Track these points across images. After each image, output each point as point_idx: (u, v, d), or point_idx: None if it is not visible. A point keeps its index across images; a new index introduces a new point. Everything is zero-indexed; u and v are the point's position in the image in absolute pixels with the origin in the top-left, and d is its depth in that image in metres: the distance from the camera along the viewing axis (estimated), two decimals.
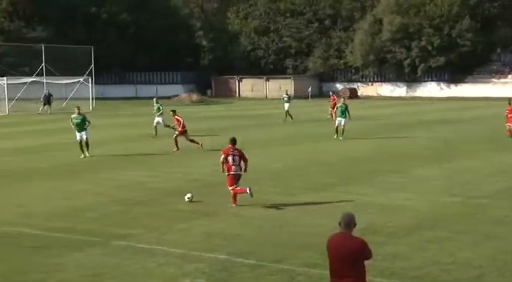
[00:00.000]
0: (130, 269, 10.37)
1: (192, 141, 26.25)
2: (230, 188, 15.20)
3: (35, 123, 38.57)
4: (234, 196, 15.17)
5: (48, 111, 52.02)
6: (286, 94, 43.59)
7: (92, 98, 58.12)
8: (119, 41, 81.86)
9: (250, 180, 18.46)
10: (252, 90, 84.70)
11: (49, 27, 78.58)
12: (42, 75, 59.77)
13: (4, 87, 53.07)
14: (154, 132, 31.85)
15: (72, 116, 24.18)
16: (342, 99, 33.06)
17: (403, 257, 10.88)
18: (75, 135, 24.27)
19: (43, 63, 60.51)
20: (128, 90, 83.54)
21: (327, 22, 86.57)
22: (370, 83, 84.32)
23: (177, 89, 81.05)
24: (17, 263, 10.66)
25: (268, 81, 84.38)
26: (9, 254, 11.19)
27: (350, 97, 78.55)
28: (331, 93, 49.78)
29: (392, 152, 24.73)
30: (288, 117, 40.89)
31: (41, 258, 10.95)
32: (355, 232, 7.24)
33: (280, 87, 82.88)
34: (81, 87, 58.75)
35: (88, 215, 14.10)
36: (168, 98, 74.12)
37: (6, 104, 53.05)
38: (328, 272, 7.20)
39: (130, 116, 48.74)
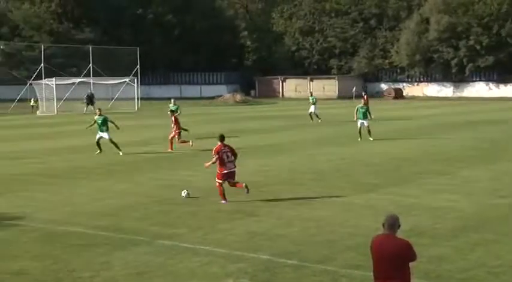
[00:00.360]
0: (174, 268, 10.45)
1: (183, 142, 26.44)
2: (230, 183, 15.70)
3: (80, 123, 39.20)
4: (222, 193, 15.57)
5: (94, 111, 52.82)
6: (312, 96, 43.54)
7: (137, 98, 58.89)
8: (164, 42, 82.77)
9: (295, 180, 18.45)
10: (296, 91, 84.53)
11: (97, 29, 79.97)
12: (89, 76, 60.81)
13: (53, 87, 54.13)
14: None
15: (95, 117, 25.49)
16: (363, 100, 32.49)
17: (449, 260, 10.70)
18: (96, 134, 25.46)
19: (90, 64, 61.60)
20: (172, 90, 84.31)
21: (372, 21, 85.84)
22: (416, 83, 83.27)
23: (220, 90, 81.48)
24: (64, 261, 10.85)
25: (312, 81, 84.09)
26: (57, 251, 11.41)
27: (395, 97, 77.91)
28: (363, 93, 49.25)
29: (438, 153, 24.36)
30: (315, 118, 40.41)
31: (87, 256, 11.13)
32: (399, 234, 7.14)
33: (323, 87, 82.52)
34: (127, 88, 59.57)
35: (132, 214, 14.27)
36: (212, 98, 74.63)
37: (55, 104, 54.14)
38: (371, 273, 7.13)
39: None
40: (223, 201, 15.47)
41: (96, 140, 25.42)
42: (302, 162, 22.32)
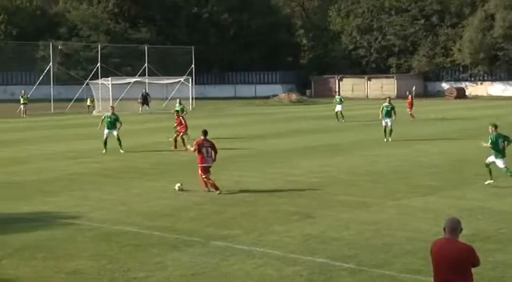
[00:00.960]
0: (228, 270, 10.49)
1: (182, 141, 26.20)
2: (203, 176, 17.19)
3: (135, 123, 39.91)
4: (214, 185, 17.01)
5: (148, 111, 53.57)
6: (339, 95, 44.53)
7: (192, 98, 59.44)
8: (219, 41, 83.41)
9: (352, 182, 18.30)
10: (353, 90, 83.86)
11: (152, 29, 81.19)
12: (145, 76, 61.74)
13: (109, 87, 55.11)
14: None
15: (106, 114, 25.78)
16: (388, 99, 32.01)
17: None
18: (104, 132, 26.16)
19: (146, 64, 62.55)
20: (227, 90, 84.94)
21: (433, 18, 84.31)
22: (479, 82, 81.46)
23: (275, 89, 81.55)
24: (119, 261, 11.04)
25: (370, 80, 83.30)
26: (112, 251, 11.62)
27: (457, 97, 76.39)
28: (407, 93, 48.70)
29: None
30: (341, 118, 40.90)
31: (142, 256, 11.29)
32: (461, 239, 6.98)
33: (382, 86, 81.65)
34: (182, 87, 60.22)
35: (187, 215, 14.40)
36: (267, 97, 74.71)
37: (111, 103, 55.00)
38: (431, 278, 6.99)
39: (229, 116, 49.48)
40: (216, 192, 16.90)
41: (104, 138, 25.89)
42: (359, 164, 22.13)
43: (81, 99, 59.76)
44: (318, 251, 11.38)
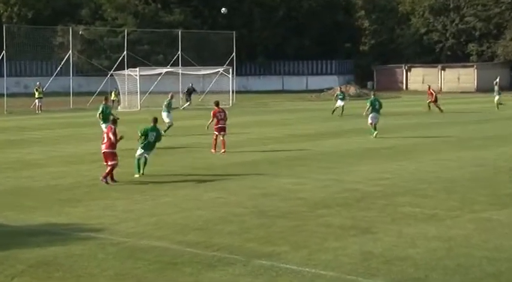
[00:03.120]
0: None
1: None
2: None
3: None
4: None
5: (188, 107, 53.71)
6: (341, 92, 48.66)
7: (232, 91, 59.76)
8: (265, 25, 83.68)
9: (420, 191, 18.16)
10: (423, 82, 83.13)
11: (187, 10, 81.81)
12: (178, 65, 62.23)
13: (136, 78, 55.69)
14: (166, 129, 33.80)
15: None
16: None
17: None
18: (101, 127, 27.28)
19: (179, 51, 63.11)
20: (273, 82, 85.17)
21: None
22: None
23: (330, 81, 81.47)
24: (148, 281, 11.18)
25: (444, 70, 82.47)
26: (139, 270, 11.78)
27: None
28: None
29: None
30: (336, 112, 44.70)
31: (173, 275, 11.40)
32: None
33: (458, 78, 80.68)
34: (221, 79, 60.60)
35: (225, 228, 14.49)
36: (321, 91, 74.59)
37: (139, 98, 55.70)
38: None
39: (275, 113, 49.57)
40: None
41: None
42: (428, 169, 21.93)
43: (104, 93, 60.58)
44: (380, 272, 11.33)
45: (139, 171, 21.34)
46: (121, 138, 20.67)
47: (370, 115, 32.14)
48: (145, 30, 74.12)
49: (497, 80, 69.87)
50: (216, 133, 26.69)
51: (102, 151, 20.46)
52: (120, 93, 57.75)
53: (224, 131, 26.82)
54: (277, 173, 21.57)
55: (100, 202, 17.49)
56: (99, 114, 29.43)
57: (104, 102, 30.03)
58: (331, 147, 28.16)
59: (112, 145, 20.30)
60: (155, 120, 21.94)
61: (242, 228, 14.50)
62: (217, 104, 27.68)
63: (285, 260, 12.08)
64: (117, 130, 20.71)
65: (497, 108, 48.25)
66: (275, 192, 18.25)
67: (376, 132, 31.38)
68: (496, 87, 51.16)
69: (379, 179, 20.10)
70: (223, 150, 26.12)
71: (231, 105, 56.31)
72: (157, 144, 22.10)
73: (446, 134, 32.81)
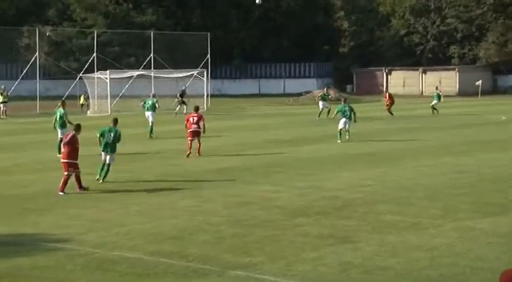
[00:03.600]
0: None
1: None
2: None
3: (140, 126, 40.13)
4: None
5: (184, 111, 52.77)
6: (326, 93, 50.87)
7: (207, 95, 59.74)
8: (241, 26, 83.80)
9: (401, 198, 18.23)
10: (404, 86, 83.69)
11: (160, 10, 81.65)
12: (150, 68, 62.10)
13: (107, 82, 55.50)
14: (151, 132, 35.58)
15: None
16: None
17: None
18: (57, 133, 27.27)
19: (151, 54, 63.00)
20: (249, 85, 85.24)
21: None
22: None
23: (309, 84, 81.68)
24: None
25: (425, 73, 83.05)
26: (108, 281, 11.70)
27: None
28: (385, 90, 52.90)
29: None
30: (323, 115, 46.04)
31: None
32: None
33: (440, 81, 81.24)
34: (195, 82, 60.55)
35: (199, 238, 14.45)
36: (299, 95, 74.79)
37: (109, 102, 55.50)
38: None
39: (251, 117, 49.60)
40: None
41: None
42: (410, 176, 22.03)
43: (73, 97, 60.27)
44: None
45: (100, 175, 21.33)
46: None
47: (341, 120, 33.05)
48: (116, 31, 73.88)
49: (479, 83, 70.39)
50: (190, 138, 27.31)
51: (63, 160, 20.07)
52: (90, 97, 57.47)
53: (198, 135, 27.46)
54: (254, 180, 21.56)
55: (68, 211, 17.37)
56: (55, 120, 28.47)
57: (59, 107, 29.18)
58: (311, 153, 28.21)
59: (71, 154, 19.95)
60: (115, 121, 21.91)
61: (217, 237, 14.47)
62: (196, 109, 28.53)
63: (261, 271, 12.07)
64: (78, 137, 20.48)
65: (433, 113, 48.70)
66: (251, 201, 18.24)
67: (339, 141, 32.13)
68: (437, 92, 51.53)
69: (360, 186, 20.15)
70: (197, 155, 26.96)
71: (205, 109, 56.20)
72: (121, 148, 21.90)
73: (428, 139, 33.00)
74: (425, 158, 26.28)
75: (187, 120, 27.79)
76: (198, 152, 27.21)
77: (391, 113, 47.37)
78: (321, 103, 48.05)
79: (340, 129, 32.62)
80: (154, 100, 37.85)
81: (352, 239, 14.23)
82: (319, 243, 13.92)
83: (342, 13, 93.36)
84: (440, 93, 51.61)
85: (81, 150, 29.61)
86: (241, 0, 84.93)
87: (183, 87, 57.41)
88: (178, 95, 55.51)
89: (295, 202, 18.05)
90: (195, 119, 27.61)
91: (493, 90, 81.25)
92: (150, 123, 35.89)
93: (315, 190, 19.69)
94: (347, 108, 33.54)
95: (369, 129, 36.95)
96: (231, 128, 40.70)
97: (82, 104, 58.23)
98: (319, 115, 46.82)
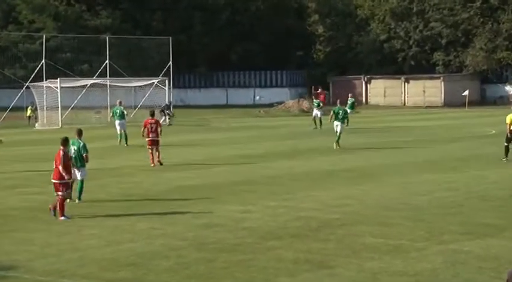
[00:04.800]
0: None
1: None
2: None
3: (98, 139, 39.92)
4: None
5: (168, 124, 53.05)
6: (316, 99, 52.40)
7: (169, 106, 59.52)
8: (206, 30, 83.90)
9: (383, 219, 18.30)
10: (385, 96, 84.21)
11: (116, 13, 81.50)
12: (106, 76, 61.84)
13: (57, 92, 55.14)
14: (126, 139, 38.01)
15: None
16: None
17: None
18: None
19: (107, 60, 62.75)
20: (216, 95, 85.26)
21: (493, 0, 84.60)
22: None
23: (281, 94, 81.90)
24: None
25: (408, 82, 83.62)
26: None
27: None
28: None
29: None
30: (319, 125, 48.12)
31: None
32: None
33: (424, 90, 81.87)
34: (155, 92, 60.40)
35: (161, 264, 14.39)
36: (270, 106, 74.92)
37: (60, 114, 55.11)
38: None
39: (218, 131, 49.57)
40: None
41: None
42: (393, 195, 22.12)
43: (19, 108, 59.84)
44: None
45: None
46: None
47: (334, 123, 36.20)
48: (68, 35, 73.62)
49: (467, 92, 70.96)
50: (150, 147, 29.49)
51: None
52: (38, 109, 57.02)
53: (157, 144, 29.54)
54: (221, 200, 21.51)
55: (14, 235, 17.21)
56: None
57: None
58: (284, 170, 28.23)
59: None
60: (79, 132, 21.61)
61: (180, 263, 14.42)
62: (152, 114, 31.08)
63: None
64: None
65: (316, 125, 48.82)
66: (218, 222, 18.20)
67: (336, 144, 35.09)
68: (315, 101, 51.76)
69: (338, 206, 20.19)
70: (157, 160, 29.28)
71: (167, 122, 56.13)
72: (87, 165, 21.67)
73: (412, 154, 33.18)
74: (409, 175, 26.39)
75: (145, 126, 29.86)
76: (159, 161, 29.18)
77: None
78: (316, 111, 49.56)
79: (337, 132, 35.66)
80: (122, 108, 39.65)
81: (329, 264, 14.26)
82: (294, 269, 13.92)
83: (316, 16, 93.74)
84: (355, 103, 54.01)
85: (31, 167, 29.54)
86: (205, 3, 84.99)
87: (166, 103, 57.49)
88: (160, 110, 55.33)
89: (267, 223, 18.04)
90: (154, 126, 29.71)
91: (482, 100, 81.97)
92: (123, 132, 38.10)
93: (289, 210, 19.68)
94: (341, 111, 36.45)
95: (348, 143, 37.07)
96: (195, 142, 40.64)
97: (29, 116, 57.83)
98: (316, 125, 48.59)
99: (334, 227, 17.45)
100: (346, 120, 36.75)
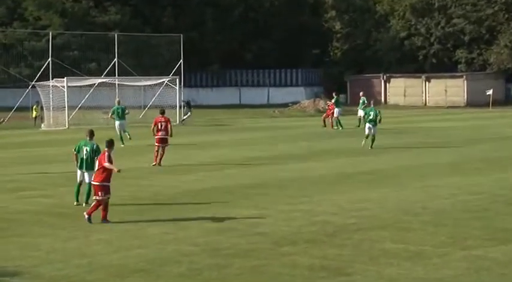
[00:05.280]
0: None
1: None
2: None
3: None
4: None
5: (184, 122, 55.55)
6: (334, 95, 52.67)
7: (180, 106, 59.60)
8: (218, 27, 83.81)
9: (403, 223, 18.25)
10: (405, 95, 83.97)
11: (125, 9, 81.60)
12: (114, 75, 61.90)
13: (64, 91, 55.20)
14: (122, 140, 38.25)
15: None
16: (372, 101, 41.37)
17: None
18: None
19: (115, 58, 62.84)
20: (228, 95, 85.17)
21: None
22: None
23: (296, 94, 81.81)
24: None
25: (429, 81, 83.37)
26: None
27: None
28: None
29: None
30: (338, 125, 49.25)
31: None
32: None
33: (445, 90, 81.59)
34: (166, 91, 60.40)
35: (172, 270, 14.40)
36: (285, 106, 74.86)
37: (66, 114, 55.14)
38: None
39: (230, 132, 49.57)
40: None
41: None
42: (414, 198, 22.07)
43: (24, 108, 59.97)
44: None
45: (77, 199, 21.18)
46: None
47: (367, 125, 36.67)
48: (75, 32, 73.76)
49: (490, 92, 70.78)
50: (157, 145, 30.24)
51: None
52: (44, 109, 57.12)
53: (165, 142, 30.49)
54: (235, 204, 21.52)
55: (19, 240, 17.25)
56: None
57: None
58: (299, 172, 28.20)
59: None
60: (90, 133, 21.53)
61: (192, 269, 14.43)
62: (162, 112, 31.67)
63: None
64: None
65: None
66: (232, 227, 18.20)
67: (364, 142, 36.14)
68: (363, 99, 52.39)
69: (356, 210, 20.16)
70: (154, 163, 30.08)
71: (177, 122, 56.20)
72: None
73: (433, 156, 33.08)
74: (431, 178, 26.34)
75: (155, 124, 30.75)
76: (160, 162, 30.10)
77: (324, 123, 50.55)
78: (337, 110, 49.91)
79: (367, 135, 36.13)
80: (123, 107, 40.18)
81: (346, 270, 14.23)
82: (310, 276, 13.92)
83: (333, 13, 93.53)
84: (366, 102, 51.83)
85: (36, 169, 29.63)
86: (217, 0, 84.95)
87: (186, 100, 58.73)
88: (184, 105, 57.89)
89: (281, 228, 18.03)
90: (163, 124, 30.58)
91: (506, 100, 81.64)
92: (123, 132, 38.83)
93: (304, 214, 19.67)
94: (372, 112, 36.71)
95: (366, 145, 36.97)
96: (207, 143, 40.65)
97: (35, 117, 57.91)
98: (340, 125, 49.40)
99: (351, 231, 17.43)
100: (378, 122, 36.87)
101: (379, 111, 37.50)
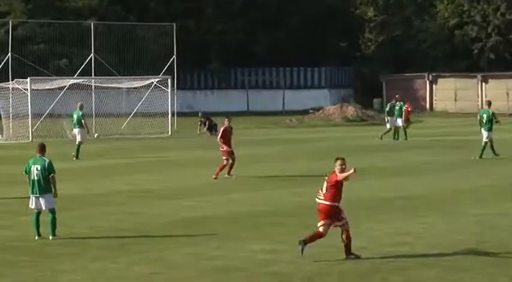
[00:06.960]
0: None
1: None
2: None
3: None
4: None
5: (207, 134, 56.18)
6: (397, 101, 53.03)
7: (173, 114, 59.63)
8: (220, 15, 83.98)
9: (453, 262, 18.20)
10: (456, 99, 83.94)
11: None
12: (90, 74, 61.79)
13: (27, 95, 55.23)
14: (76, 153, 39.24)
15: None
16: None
17: None
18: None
19: (91, 54, 62.91)
20: (233, 99, 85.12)
21: None
22: None
23: (319, 98, 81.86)
24: None
25: (486, 82, 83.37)
26: None
27: None
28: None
29: None
30: (402, 136, 50.39)
31: None
32: None
33: (507, 93, 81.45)
34: (155, 95, 60.48)
35: None
36: (304, 113, 74.80)
37: (30, 124, 55.14)
38: None
39: (237, 145, 49.49)
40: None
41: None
42: (468, 230, 22.04)
43: None
44: None
45: (38, 232, 21.11)
46: None
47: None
48: (41, 21, 73.99)
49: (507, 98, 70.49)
50: (225, 158, 33.19)
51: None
52: (2, 116, 57.20)
53: (232, 154, 33.39)
54: (240, 236, 21.52)
55: None
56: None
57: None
58: None
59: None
60: (41, 147, 21.15)
61: None
62: (229, 119, 34.65)
63: None
64: None
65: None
66: (236, 265, 18.19)
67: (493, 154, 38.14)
68: (400, 105, 52.45)
69: (394, 245, 20.13)
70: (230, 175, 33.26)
71: (170, 133, 56.24)
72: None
73: (491, 177, 32.93)
74: (490, 204, 26.25)
75: (223, 134, 33.76)
76: (229, 171, 33.17)
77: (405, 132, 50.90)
78: (398, 120, 51.10)
79: (485, 143, 38.00)
80: (80, 113, 40.88)
81: None
82: None
83: None
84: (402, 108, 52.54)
85: None
86: None
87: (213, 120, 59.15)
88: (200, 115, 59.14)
89: (300, 267, 17.98)
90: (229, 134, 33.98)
91: None
92: (77, 142, 39.37)
93: (329, 249, 19.60)
94: (485, 115, 37.56)
95: (411, 162, 37.01)
96: (206, 160, 40.58)
97: None
98: (394, 134, 50.84)
99: (387, 271, 17.39)
100: (492, 126, 38.15)
101: (492, 115, 38.37)
